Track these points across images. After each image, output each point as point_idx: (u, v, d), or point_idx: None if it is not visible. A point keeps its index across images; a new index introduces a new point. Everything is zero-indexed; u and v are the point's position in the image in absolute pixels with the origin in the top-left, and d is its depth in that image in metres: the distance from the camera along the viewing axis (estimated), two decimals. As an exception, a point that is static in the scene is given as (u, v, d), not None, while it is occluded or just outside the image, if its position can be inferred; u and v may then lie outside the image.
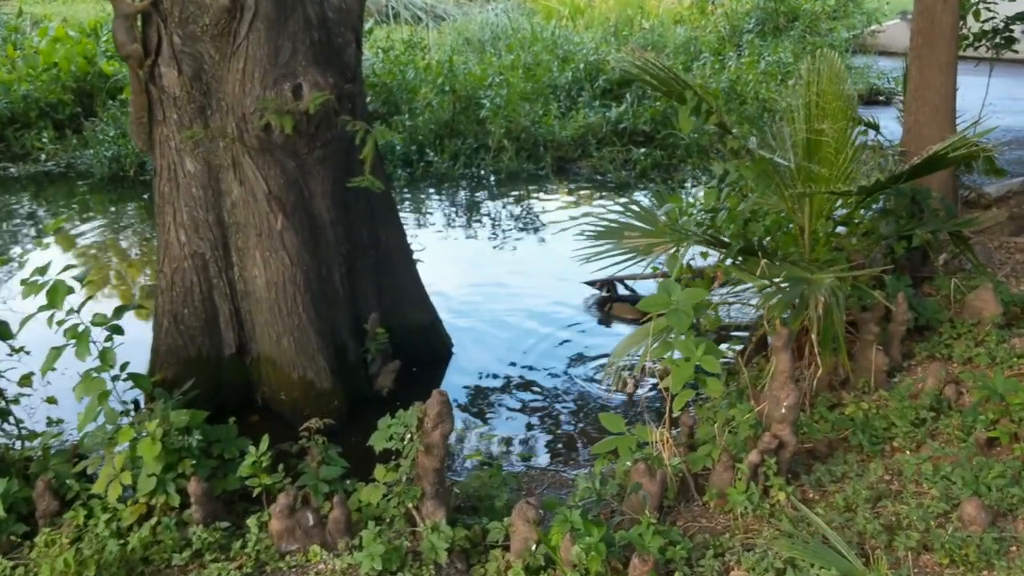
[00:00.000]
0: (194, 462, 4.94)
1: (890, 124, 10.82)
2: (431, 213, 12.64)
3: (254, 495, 4.92)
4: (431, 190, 13.67)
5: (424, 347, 7.93)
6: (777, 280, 5.78)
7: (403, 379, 7.40)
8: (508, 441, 6.73)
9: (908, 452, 5.20)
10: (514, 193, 13.55)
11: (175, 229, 6.74)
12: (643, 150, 14.52)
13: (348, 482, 4.99)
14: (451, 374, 7.82)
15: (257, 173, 6.57)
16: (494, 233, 11.78)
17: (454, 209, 12.89)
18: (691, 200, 7.04)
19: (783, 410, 4.87)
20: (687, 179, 13.92)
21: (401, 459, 4.52)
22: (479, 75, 15.96)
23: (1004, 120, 8.44)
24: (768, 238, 6.57)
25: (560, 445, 6.72)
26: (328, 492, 4.88)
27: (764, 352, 6.68)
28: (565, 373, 7.80)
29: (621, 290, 9.42)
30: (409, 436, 4.44)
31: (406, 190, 13.50)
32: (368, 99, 15.11)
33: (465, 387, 7.57)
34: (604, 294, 9.16)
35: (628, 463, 4.99)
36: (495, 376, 7.76)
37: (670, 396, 5.47)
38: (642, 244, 6.65)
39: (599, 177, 14.19)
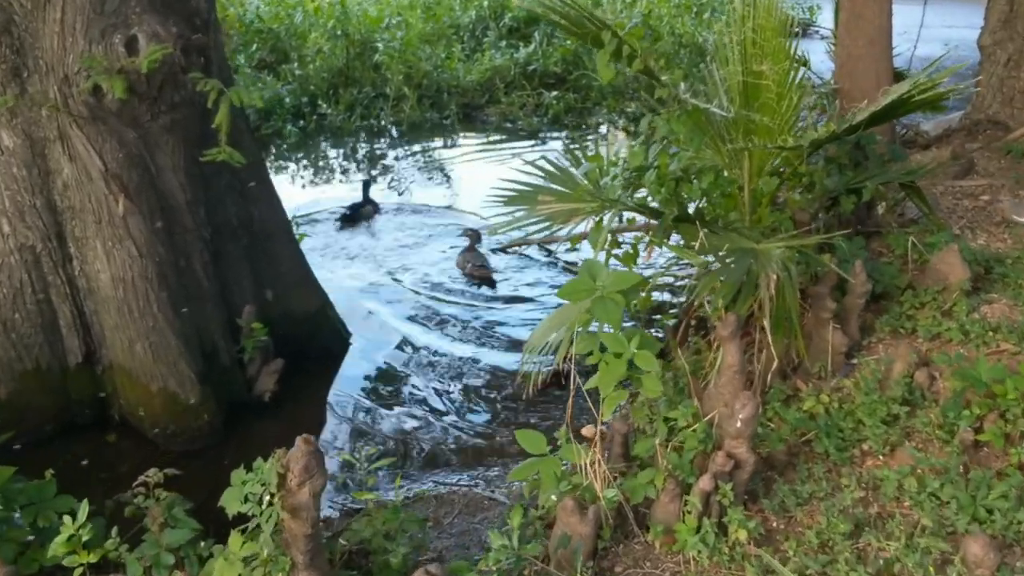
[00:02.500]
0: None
1: (815, 59, 9.96)
2: (326, 173, 11.42)
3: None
4: (326, 145, 12.45)
5: (314, 339, 6.86)
6: (720, 254, 4.87)
7: (290, 379, 6.35)
8: (411, 450, 5.75)
9: (882, 458, 4.37)
10: (417, 146, 12.41)
11: (-7, 218, 5.53)
12: (555, 94, 13.50)
13: (203, 544, 3.95)
14: (348, 368, 6.76)
15: (89, 147, 5.37)
16: (398, 192, 10.64)
17: (352, 166, 11.70)
18: (613, 158, 6.05)
19: (739, 424, 3.98)
20: (603, 123, 12.97)
21: (261, 524, 3.49)
22: (375, 16, 14.64)
23: (937, 50, 7.61)
24: (703, 201, 5.63)
25: (473, 449, 5.78)
26: (177, 561, 3.85)
27: (703, 333, 5.80)
28: (476, 360, 6.83)
29: (539, 255, 8.49)
30: (268, 498, 3.42)
31: (297, 148, 12.26)
32: (254, 48, 13.82)
33: (363, 383, 6.55)
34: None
35: (553, 497, 4.06)
36: (398, 368, 6.75)
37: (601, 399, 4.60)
38: (559, 211, 5.70)
39: (509, 124, 13.14)
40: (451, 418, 6.11)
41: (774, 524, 4.03)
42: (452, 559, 4.42)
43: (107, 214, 5.49)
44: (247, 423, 6.04)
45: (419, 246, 9.02)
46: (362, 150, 12.36)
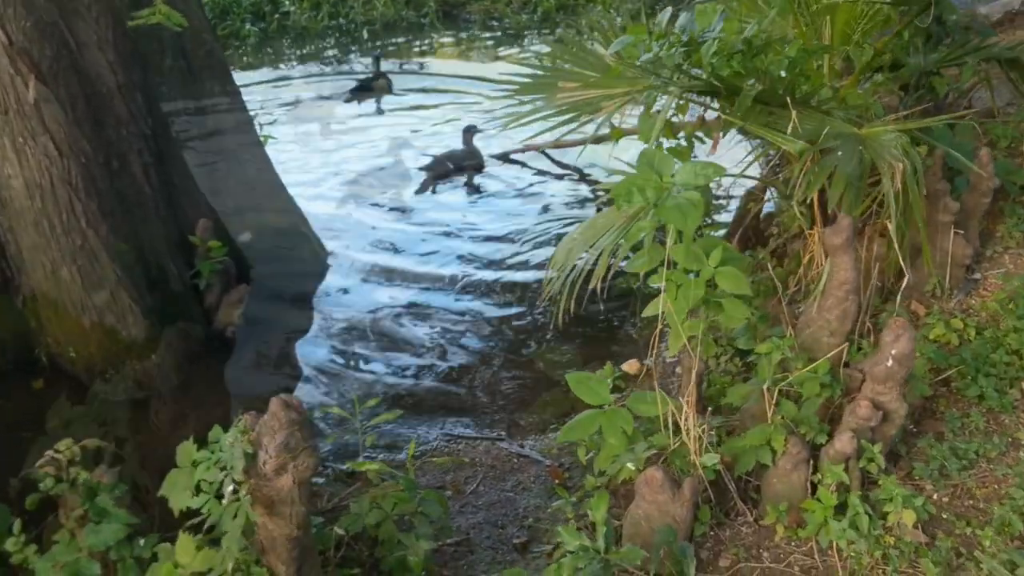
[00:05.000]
0: None
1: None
2: (288, 80, 10.01)
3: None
4: (290, 50, 11.06)
5: (287, 261, 5.66)
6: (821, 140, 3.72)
7: (260, 310, 5.17)
8: (409, 402, 4.59)
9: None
10: (392, 46, 11.05)
11: None
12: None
13: (142, 542, 2.78)
14: (324, 302, 5.52)
15: (-15, 12, 4.10)
16: (372, 104, 9.30)
17: (317, 71, 10.32)
18: (658, 30, 4.82)
19: (890, 362, 2.86)
20: (599, 20, 11.64)
21: (223, 523, 2.34)
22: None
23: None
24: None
25: (490, 392, 4.67)
26: (107, 568, 2.70)
27: (769, 246, 4.68)
28: (486, 282, 5.67)
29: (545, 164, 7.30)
30: (232, 487, 2.27)
31: (256, 51, 10.85)
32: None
33: (347, 313, 5.35)
34: None
35: (629, 466, 2.95)
36: (388, 294, 5.57)
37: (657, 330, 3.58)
38: (586, 99, 4.55)
39: (494, 23, 11.77)
40: (458, 354, 4.97)
41: (935, 498, 2.95)
42: (484, 543, 3.33)
43: (15, 102, 4.23)
44: (206, 366, 4.86)
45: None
46: (330, 51, 10.98)
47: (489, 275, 5.72)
